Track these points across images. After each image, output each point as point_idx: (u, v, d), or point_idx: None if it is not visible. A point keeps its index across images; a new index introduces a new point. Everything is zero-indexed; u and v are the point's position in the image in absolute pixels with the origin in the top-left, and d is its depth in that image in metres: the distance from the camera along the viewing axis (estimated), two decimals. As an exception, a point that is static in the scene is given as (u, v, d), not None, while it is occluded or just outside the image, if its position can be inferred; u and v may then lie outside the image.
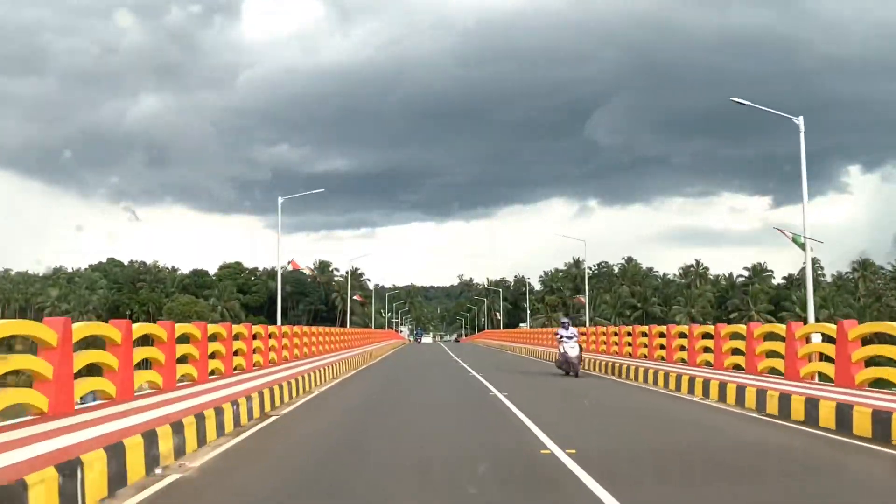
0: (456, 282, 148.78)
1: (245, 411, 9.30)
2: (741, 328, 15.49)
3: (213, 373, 13.08)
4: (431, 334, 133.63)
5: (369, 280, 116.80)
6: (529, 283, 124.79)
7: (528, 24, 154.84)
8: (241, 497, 5.58)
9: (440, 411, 11.74)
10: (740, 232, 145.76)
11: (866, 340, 11.38)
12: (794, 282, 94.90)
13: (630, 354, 22.53)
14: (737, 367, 15.45)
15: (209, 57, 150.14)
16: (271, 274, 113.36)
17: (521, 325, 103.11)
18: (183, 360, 11.72)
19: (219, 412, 8.17)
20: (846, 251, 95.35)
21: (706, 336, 18.13)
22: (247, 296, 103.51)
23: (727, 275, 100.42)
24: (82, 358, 7.97)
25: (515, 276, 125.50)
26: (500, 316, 79.48)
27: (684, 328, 19.53)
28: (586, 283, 38.97)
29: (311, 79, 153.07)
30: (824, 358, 12.55)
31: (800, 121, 20.94)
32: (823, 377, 11.99)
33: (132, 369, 9.10)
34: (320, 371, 16.29)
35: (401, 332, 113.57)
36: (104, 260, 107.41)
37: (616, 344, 25.00)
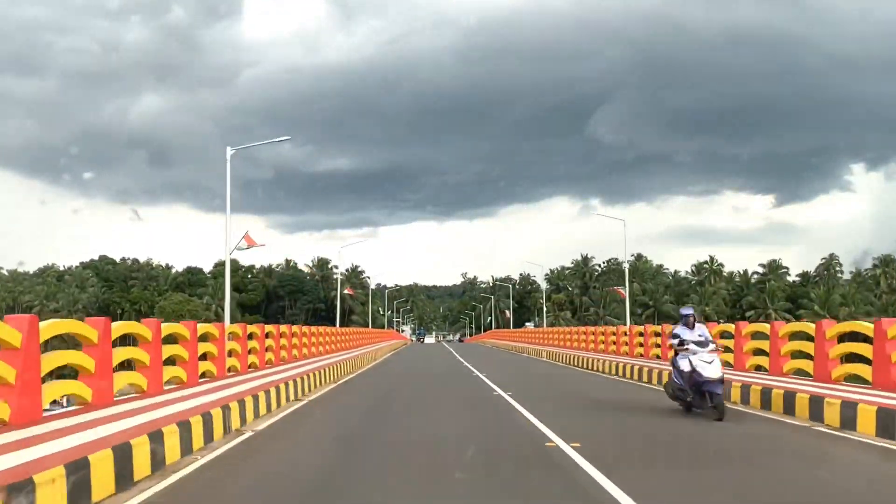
0: (458, 281, 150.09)
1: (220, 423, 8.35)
2: (764, 327, 15.07)
3: (203, 375, 12.80)
4: (434, 334, 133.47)
5: (369, 278, 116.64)
6: (535, 282, 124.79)
7: (531, 21, 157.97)
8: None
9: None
10: (743, 231, 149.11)
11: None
12: (811, 279, 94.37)
13: (627, 353, 22.26)
14: (759, 367, 15.09)
15: (211, 55, 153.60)
16: (268, 272, 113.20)
17: (528, 324, 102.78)
18: (171, 361, 11.42)
19: (183, 426, 7.17)
20: (850, 249, 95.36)
21: (724, 335, 17.77)
22: (242, 294, 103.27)
23: (741, 272, 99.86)
24: (52, 359, 7.56)
25: (521, 275, 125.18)
26: (509, 314, 78.34)
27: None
28: (627, 276, 32.58)
29: (312, 77, 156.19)
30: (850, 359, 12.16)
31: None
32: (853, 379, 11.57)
33: (111, 371, 8.74)
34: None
35: (402, 331, 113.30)
36: (96, 257, 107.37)
37: (614, 343, 25.03)
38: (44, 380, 7.24)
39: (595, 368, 21.36)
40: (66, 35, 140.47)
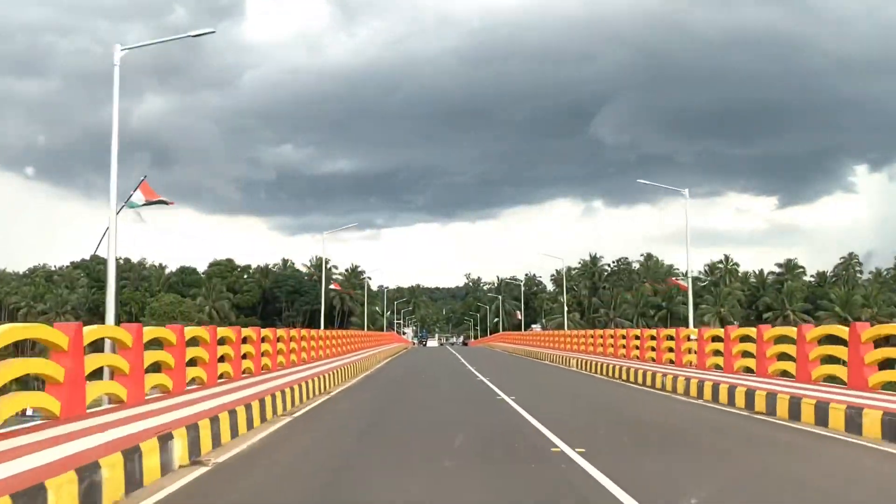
0: (461, 283, 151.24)
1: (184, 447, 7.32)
2: (790, 331, 14.60)
3: (193, 381, 12.45)
4: (437, 336, 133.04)
5: (370, 278, 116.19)
6: (541, 282, 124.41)
7: (534, 22, 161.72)
8: None
9: None
10: (746, 232, 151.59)
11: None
12: (829, 279, 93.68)
13: (637, 357, 21.83)
14: (784, 373, 14.62)
15: (213, 57, 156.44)
16: (265, 271, 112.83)
17: (534, 325, 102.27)
18: (156, 368, 11.03)
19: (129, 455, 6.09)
20: (853, 251, 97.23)
21: (744, 339, 17.30)
22: (238, 295, 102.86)
23: (756, 272, 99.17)
24: (11, 368, 7.15)
25: (527, 275, 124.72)
26: (520, 315, 76.23)
27: (719, 331, 18.68)
28: (688, 262, 23.61)
29: (315, 79, 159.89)
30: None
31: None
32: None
33: (83, 380, 8.29)
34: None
35: (404, 334, 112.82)
36: (87, 257, 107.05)
37: (624, 347, 24.82)
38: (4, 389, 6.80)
39: (650, 384, 16.98)
40: (68, 36, 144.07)
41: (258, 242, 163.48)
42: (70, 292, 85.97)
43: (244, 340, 15.59)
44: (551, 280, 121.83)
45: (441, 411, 12.88)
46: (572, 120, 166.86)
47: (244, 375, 14.93)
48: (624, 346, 25.02)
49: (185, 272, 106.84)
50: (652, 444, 8.91)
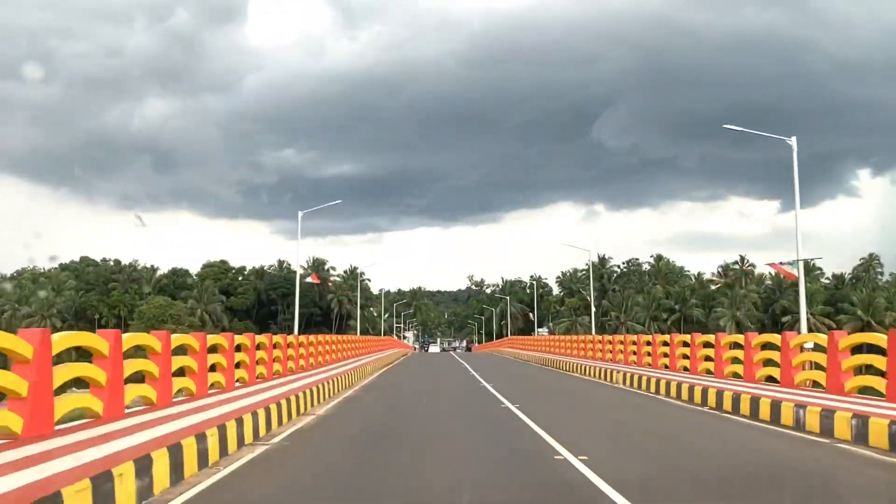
0: (463, 286, 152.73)
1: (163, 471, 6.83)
2: (819, 338, 14.13)
3: (180, 391, 12.06)
4: (439, 341, 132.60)
5: (370, 280, 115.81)
6: (546, 284, 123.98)
7: (535, 25, 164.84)
8: None
9: None
10: (748, 236, 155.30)
11: None
12: (847, 282, 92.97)
13: (649, 364, 21.31)
14: (814, 383, 14.19)
15: (214, 61, 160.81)
16: (260, 273, 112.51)
17: (540, 329, 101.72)
18: (139, 378, 10.59)
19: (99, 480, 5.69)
20: (857, 254, 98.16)
21: (766, 346, 16.85)
22: (231, 298, 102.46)
23: (771, 273, 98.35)
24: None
25: (532, 277, 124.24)
26: (532, 316, 73.60)
27: (738, 337, 18.20)
28: (799, 248, 20.00)
29: (316, 82, 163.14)
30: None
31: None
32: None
33: (51, 394, 7.79)
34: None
35: (405, 338, 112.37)
36: (77, 259, 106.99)
37: (649, 354, 23.92)
38: None
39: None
40: (71, 40, 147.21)
41: (260, 246, 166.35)
42: (56, 295, 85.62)
43: (215, 349, 15.09)
44: (557, 282, 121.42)
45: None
46: (574, 123, 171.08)
47: (237, 385, 14.46)
48: (666, 355, 22.26)
49: (178, 274, 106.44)
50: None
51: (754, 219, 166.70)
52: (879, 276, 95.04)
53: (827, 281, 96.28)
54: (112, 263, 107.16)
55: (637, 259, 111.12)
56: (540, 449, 9.34)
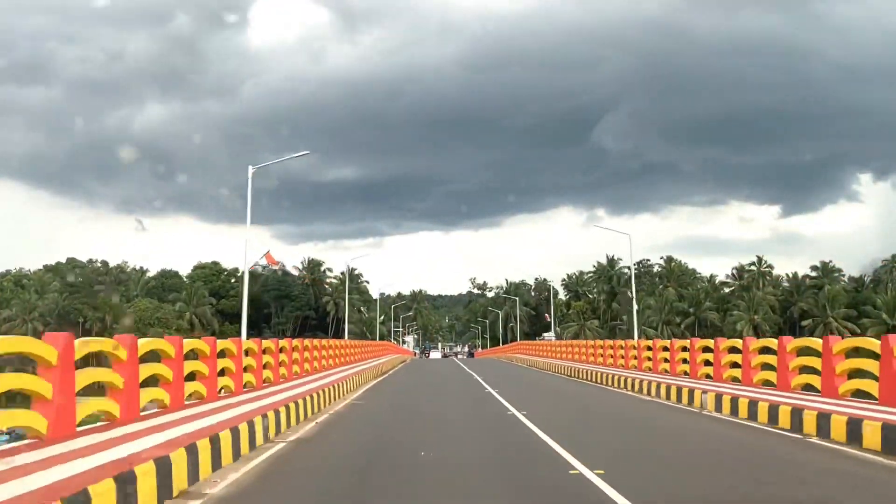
0: (464, 291, 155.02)
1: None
2: (869, 342, 13.16)
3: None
4: (440, 346, 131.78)
5: (367, 282, 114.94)
6: (553, 288, 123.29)
7: (536, 29, 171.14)
8: None
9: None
10: (749, 241, 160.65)
11: None
12: (865, 283, 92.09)
13: (664, 371, 20.29)
14: (858, 393, 13.26)
15: (215, 65, 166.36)
16: (253, 275, 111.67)
17: (546, 334, 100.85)
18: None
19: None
20: (858, 259, 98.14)
21: (803, 352, 15.89)
22: (223, 300, 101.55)
23: (789, 275, 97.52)
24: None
25: (536, 279, 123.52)
26: (548, 317, 70.71)
27: (771, 342, 17.24)
28: None
29: (317, 86, 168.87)
30: None
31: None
32: None
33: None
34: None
35: (405, 343, 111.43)
36: (63, 260, 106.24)
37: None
38: None
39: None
40: (71, 44, 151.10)
41: (260, 251, 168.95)
42: (39, 298, 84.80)
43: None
44: (563, 285, 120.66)
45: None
46: (575, 128, 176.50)
47: (222, 393, 13.49)
48: (708, 363, 19.79)
49: (167, 276, 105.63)
50: None
51: (755, 223, 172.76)
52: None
53: (843, 282, 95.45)
54: (99, 265, 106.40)
55: (648, 260, 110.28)
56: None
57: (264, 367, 17.20)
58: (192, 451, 7.79)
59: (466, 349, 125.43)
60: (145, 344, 10.85)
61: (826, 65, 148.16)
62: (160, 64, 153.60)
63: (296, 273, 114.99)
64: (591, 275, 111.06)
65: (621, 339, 33.90)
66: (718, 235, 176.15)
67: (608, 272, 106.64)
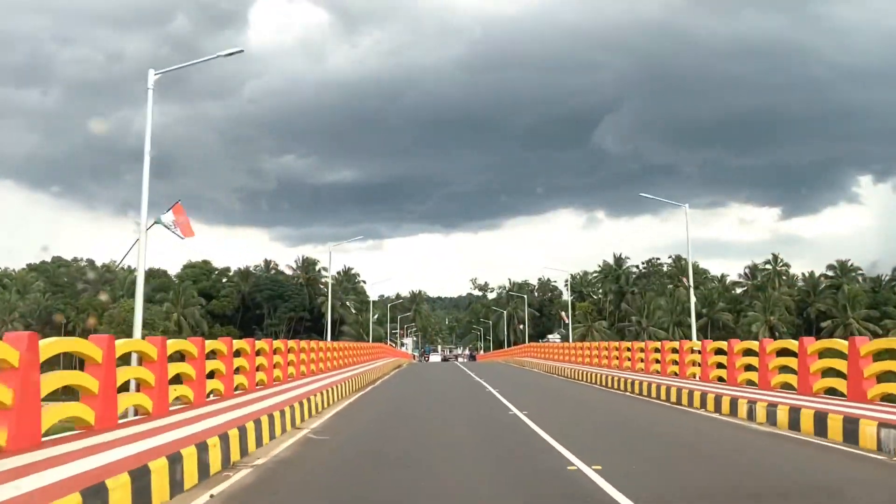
0: (464, 293, 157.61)
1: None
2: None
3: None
4: (440, 348, 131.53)
5: (364, 282, 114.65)
6: (556, 287, 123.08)
7: (536, 31, 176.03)
8: None
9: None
10: (749, 243, 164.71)
11: None
12: (883, 283, 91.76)
13: (670, 374, 19.90)
14: (888, 397, 13.12)
15: (214, 66, 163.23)
16: (245, 275, 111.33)
17: (550, 336, 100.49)
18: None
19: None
20: (859, 261, 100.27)
21: (825, 354, 15.54)
22: (213, 301, 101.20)
23: (805, 274, 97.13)
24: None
25: (540, 279, 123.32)
26: (566, 318, 67.12)
27: (790, 343, 16.96)
28: None
29: (316, 88, 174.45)
30: None
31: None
32: None
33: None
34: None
35: (403, 345, 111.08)
36: (48, 259, 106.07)
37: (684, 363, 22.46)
38: None
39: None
40: (69, 45, 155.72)
41: (259, 253, 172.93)
42: (20, 298, 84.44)
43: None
44: (566, 286, 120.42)
45: None
46: (575, 130, 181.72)
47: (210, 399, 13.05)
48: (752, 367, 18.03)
49: (154, 275, 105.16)
50: None
51: (755, 226, 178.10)
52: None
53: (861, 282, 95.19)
54: (84, 263, 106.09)
55: (658, 259, 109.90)
56: None
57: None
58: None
59: (467, 352, 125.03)
60: (124, 345, 10.55)
61: (826, 66, 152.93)
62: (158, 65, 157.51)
63: (290, 272, 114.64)
64: (596, 274, 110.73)
65: (649, 342, 31.34)
66: (719, 238, 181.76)
67: (615, 272, 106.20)
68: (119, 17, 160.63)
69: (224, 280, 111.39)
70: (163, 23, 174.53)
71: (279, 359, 19.40)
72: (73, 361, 10.07)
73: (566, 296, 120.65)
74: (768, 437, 11.88)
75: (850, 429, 10.67)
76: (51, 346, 8.38)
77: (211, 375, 14.31)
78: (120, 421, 9.86)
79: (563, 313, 70.61)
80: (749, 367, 18.39)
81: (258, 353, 17.09)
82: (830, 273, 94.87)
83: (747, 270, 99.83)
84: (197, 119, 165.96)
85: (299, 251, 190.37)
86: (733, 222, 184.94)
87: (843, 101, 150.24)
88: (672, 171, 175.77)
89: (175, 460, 7.39)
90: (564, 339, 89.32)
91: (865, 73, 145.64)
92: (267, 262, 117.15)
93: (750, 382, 18.15)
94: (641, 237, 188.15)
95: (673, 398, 17.97)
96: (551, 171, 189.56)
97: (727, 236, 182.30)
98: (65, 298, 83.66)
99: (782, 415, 12.69)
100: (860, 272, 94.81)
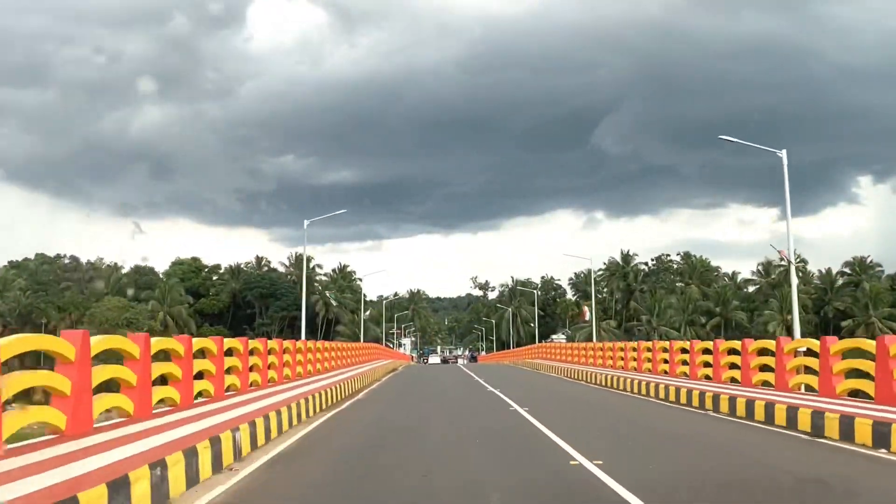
0: (463, 293, 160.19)
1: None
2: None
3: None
4: (439, 348, 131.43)
5: (360, 279, 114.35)
6: (560, 285, 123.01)
7: (535, 31, 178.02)
8: None
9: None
10: (748, 244, 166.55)
11: None
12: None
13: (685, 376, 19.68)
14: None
15: (213, 67, 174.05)
16: (236, 272, 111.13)
17: (554, 336, 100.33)
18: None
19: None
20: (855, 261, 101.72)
21: (850, 354, 15.33)
22: (202, 299, 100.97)
23: (821, 271, 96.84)
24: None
25: (543, 277, 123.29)
26: (588, 315, 63.50)
27: (811, 342, 16.68)
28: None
29: (315, 89, 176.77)
30: None
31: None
32: None
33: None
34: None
35: (401, 346, 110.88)
36: (32, 256, 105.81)
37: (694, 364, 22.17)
38: None
39: None
40: (67, 45, 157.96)
41: (259, 254, 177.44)
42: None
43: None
44: (570, 285, 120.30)
45: None
46: (574, 130, 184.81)
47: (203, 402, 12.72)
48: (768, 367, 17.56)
49: (140, 272, 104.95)
50: None
51: (754, 226, 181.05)
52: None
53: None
54: (68, 260, 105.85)
55: (668, 255, 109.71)
56: None
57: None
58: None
59: (468, 353, 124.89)
60: (101, 342, 10.17)
61: (826, 67, 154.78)
62: (158, 66, 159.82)
63: (282, 270, 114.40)
64: (601, 272, 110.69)
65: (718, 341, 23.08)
66: (718, 238, 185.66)
67: (622, 269, 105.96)
68: (117, 17, 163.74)
69: (214, 278, 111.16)
70: (161, 22, 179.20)
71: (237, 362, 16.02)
72: (41, 359, 9.75)
73: (569, 295, 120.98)
74: (784, 439, 11.76)
75: (883, 432, 10.44)
76: (13, 344, 7.93)
77: (200, 376, 14.08)
78: (96, 425, 9.46)
79: (584, 308, 69.22)
80: (764, 368, 18.19)
81: (228, 353, 15.61)
82: (847, 270, 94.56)
83: (760, 267, 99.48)
84: (196, 120, 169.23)
85: (298, 252, 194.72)
86: (732, 223, 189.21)
87: (843, 101, 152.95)
88: (671, 172, 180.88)
89: (158, 467, 7.11)
90: (570, 339, 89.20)
91: (866, 73, 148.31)
92: (259, 260, 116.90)
93: (766, 384, 17.96)
94: (641, 238, 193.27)
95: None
96: (551, 171, 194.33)
97: (726, 237, 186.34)
98: (46, 297, 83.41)
99: (804, 417, 12.44)
100: (879, 269, 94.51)
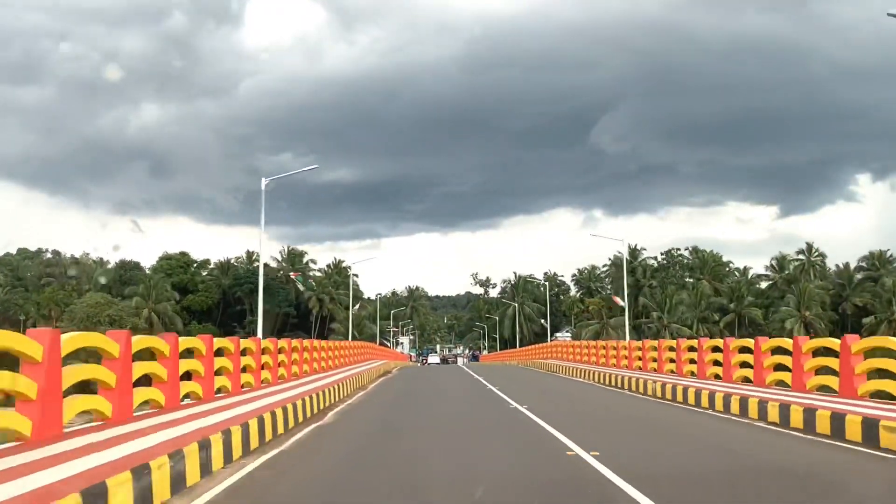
0: (462, 292, 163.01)
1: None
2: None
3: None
4: (438, 347, 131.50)
5: (357, 276, 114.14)
6: (563, 282, 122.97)
7: (534, 30, 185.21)
8: None
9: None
10: (746, 242, 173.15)
11: None
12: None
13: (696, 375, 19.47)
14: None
15: (210, 65, 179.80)
16: (225, 268, 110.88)
17: (558, 334, 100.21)
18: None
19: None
20: (855, 260, 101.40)
21: (873, 353, 15.17)
22: (189, 296, 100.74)
23: (839, 266, 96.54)
24: None
25: (546, 274, 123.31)
26: (622, 302, 59.49)
27: (832, 342, 16.48)
28: None
29: (313, 87, 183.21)
30: None
31: None
32: None
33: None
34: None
35: (399, 345, 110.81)
36: (13, 251, 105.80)
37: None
38: None
39: None
40: (65, 42, 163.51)
41: (249, 248, 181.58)
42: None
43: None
44: (573, 281, 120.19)
45: None
46: (573, 129, 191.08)
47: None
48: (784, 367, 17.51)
49: (125, 267, 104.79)
50: None
51: (753, 224, 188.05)
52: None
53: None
54: (50, 255, 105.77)
55: (678, 249, 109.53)
56: None
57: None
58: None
59: (468, 352, 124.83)
60: (72, 340, 9.81)
61: (824, 65, 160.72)
62: (156, 64, 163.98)
63: (274, 265, 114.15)
64: (606, 268, 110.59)
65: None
66: (717, 236, 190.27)
67: (630, 264, 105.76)
68: (115, 14, 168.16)
69: (204, 273, 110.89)
70: (159, 20, 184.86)
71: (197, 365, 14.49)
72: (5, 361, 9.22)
73: (573, 292, 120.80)
74: (795, 440, 11.69)
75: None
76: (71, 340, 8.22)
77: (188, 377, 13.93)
78: (67, 430, 9.21)
79: (616, 297, 67.68)
80: (779, 367, 18.03)
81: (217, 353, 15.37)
82: (865, 265, 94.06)
83: (774, 262, 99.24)
84: (193, 117, 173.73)
85: (292, 246, 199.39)
86: (731, 221, 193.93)
87: (842, 99, 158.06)
88: (670, 170, 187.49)
89: (140, 474, 6.92)
90: (576, 337, 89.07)
91: (864, 71, 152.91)
92: (249, 255, 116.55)
93: (780, 384, 17.83)
94: (642, 237, 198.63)
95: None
96: (549, 170, 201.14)
97: (725, 235, 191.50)
98: (25, 293, 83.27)
99: (822, 420, 12.26)
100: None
